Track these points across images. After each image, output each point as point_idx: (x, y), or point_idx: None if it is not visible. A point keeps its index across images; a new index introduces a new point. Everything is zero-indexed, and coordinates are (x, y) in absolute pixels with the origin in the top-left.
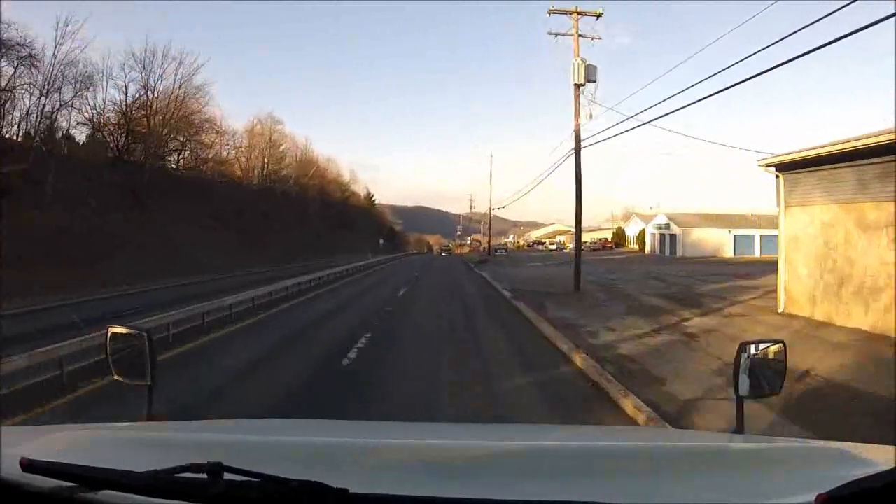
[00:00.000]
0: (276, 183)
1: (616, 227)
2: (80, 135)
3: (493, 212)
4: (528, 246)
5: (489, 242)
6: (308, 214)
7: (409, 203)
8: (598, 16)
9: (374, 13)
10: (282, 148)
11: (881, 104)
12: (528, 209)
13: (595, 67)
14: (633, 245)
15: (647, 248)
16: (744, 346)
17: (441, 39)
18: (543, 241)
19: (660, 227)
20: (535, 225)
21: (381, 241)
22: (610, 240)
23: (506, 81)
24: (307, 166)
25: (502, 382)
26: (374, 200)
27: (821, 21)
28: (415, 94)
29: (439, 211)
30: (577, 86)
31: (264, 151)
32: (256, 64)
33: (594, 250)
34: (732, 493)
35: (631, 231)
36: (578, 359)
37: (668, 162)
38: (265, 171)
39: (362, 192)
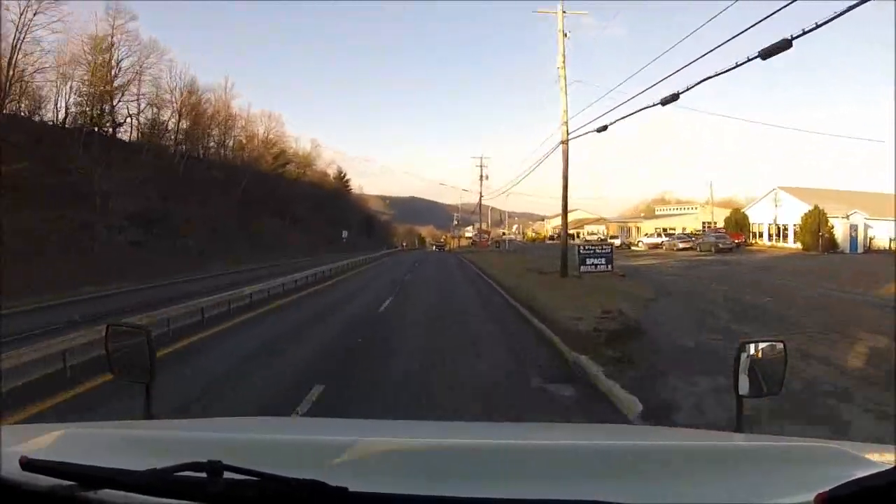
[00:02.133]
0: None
1: (731, 210)
2: None
3: (485, 201)
4: (551, 239)
5: (564, 225)
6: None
7: (402, 194)
8: None
9: (366, 11)
10: (121, 64)
11: None
12: (520, 201)
13: None
14: (765, 240)
15: None
16: (744, 346)
17: (430, 33)
18: (568, 232)
19: None
20: (531, 216)
21: (345, 235)
22: (723, 229)
23: (500, 75)
24: (226, 119)
25: None
26: (346, 180)
27: None
28: (409, 82)
29: (433, 202)
30: None
31: None
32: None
33: (723, 249)
34: (732, 493)
35: (762, 215)
36: None
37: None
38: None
39: (332, 172)
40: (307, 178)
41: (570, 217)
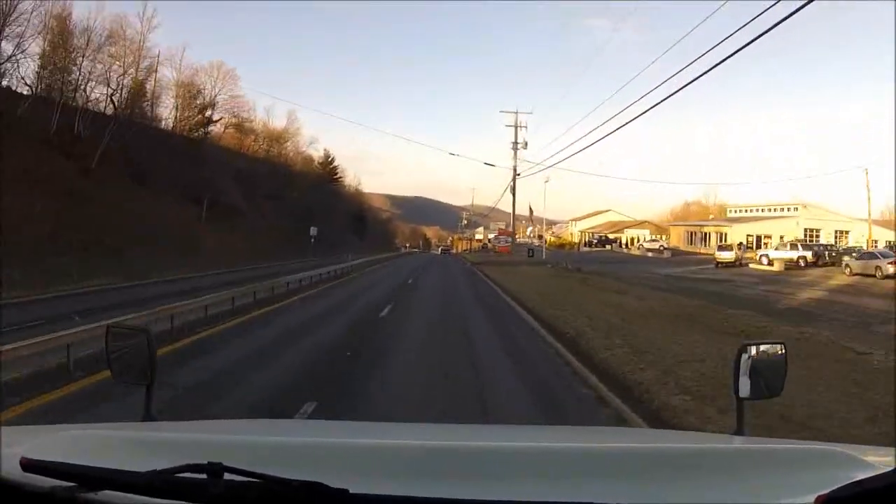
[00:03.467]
0: None
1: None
2: None
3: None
4: (588, 245)
5: None
6: None
7: (408, 193)
8: None
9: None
10: None
11: None
12: (519, 203)
13: None
14: None
15: None
16: (744, 347)
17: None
18: (610, 238)
19: None
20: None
21: (314, 233)
22: None
23: (504, 72)
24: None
25: None
26: (334, 165)
27: None
28: (416, 81)
29: (440, 202)
30: None
31: None
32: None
33: None
34: (732, 494)
35: None
36: None
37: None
38: None
39: (317, 155)
40: (280, 157)
41: (601, 219)
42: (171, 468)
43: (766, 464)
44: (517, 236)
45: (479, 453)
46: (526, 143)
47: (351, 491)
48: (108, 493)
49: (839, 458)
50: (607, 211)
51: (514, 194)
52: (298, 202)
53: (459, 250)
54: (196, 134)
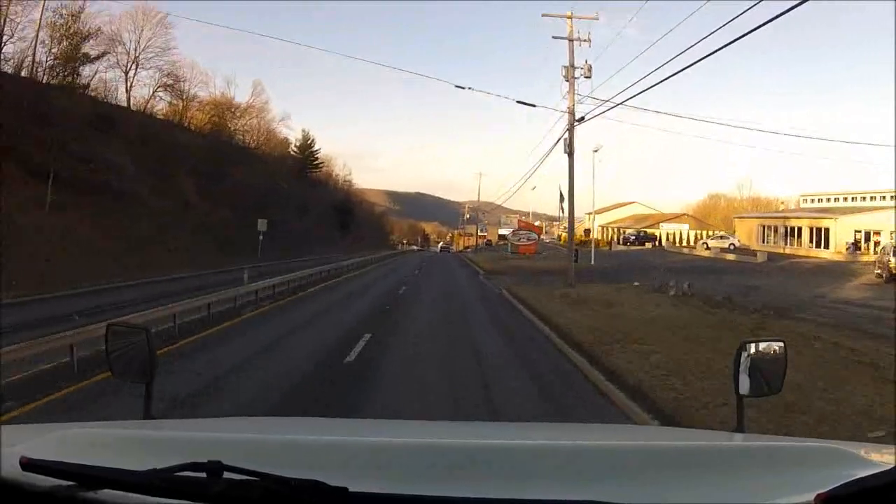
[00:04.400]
0: None
1: None
2: None
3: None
4: (624, 243)
5: None
6: None
7: (409, 189)
8: None
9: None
10: None
11: None
12: (525, 201)
13: None
14: None
15: None
16: (744, 345)
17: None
18: (647, 232)
19: None
20: (538, 216)
21: (262, 229)
22: None
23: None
24: None
25: None
26: (313, 149)
27: None
28: (420, 80)
29: (441, 198)
30: None
31: None
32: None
33: None
34: (732, 493)
35: None
36: None
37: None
38: None
39: (294, 137)
40: (239, 133)
41: (626, 212)
42: (170, 467)
43: (766, 461)
44: (540, 234)
45: (478, 451)
46: (590, 68)
47: (350, 489)
48: (108, 493)
49: (840, 455)
50: (632, 203)
51: (571, 154)
52: (254, 188)
53: (461, 247)
54: (61, 78)
